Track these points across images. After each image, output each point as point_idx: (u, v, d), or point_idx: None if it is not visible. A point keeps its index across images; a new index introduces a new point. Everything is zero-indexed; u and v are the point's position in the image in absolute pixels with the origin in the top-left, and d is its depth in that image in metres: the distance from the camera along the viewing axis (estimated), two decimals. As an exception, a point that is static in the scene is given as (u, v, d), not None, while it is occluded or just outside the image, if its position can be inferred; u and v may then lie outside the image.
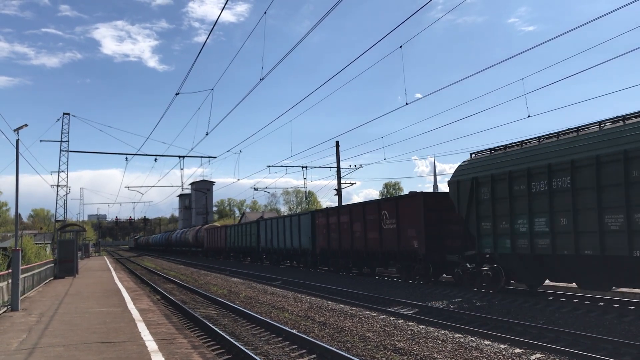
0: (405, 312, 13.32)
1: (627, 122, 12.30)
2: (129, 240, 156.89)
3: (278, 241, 35.09)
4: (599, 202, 12.24)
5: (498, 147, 16.18)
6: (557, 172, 13.40)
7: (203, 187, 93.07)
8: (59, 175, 48.11)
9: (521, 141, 15.28)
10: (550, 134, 14.36)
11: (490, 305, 14.29)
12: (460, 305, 14.57)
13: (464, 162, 17.23)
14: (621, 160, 11.86)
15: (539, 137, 14.66)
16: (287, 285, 21.87)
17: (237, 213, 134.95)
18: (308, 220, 30.35)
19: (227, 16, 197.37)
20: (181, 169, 40.02)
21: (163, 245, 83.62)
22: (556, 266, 13.99)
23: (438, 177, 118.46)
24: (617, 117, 12.79)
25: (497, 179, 15.30)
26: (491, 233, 15.42)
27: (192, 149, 76.65)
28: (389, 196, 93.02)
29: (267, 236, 37.34)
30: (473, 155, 17.23)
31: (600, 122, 13.17)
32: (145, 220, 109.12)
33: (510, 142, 15.68)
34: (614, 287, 13.97)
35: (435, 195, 21.77)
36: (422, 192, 20.59)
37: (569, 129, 13.85)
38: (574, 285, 14.79)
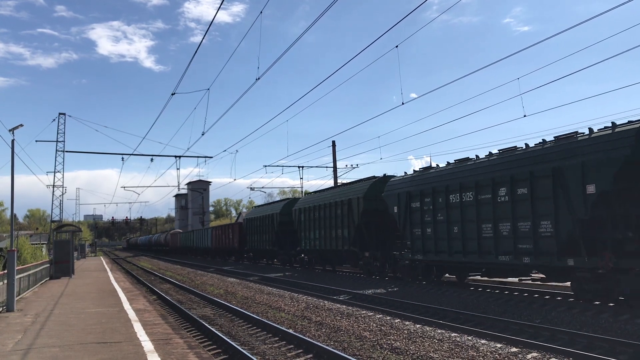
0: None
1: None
2: (123, 241, 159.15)
3: (201, 243, 57.34)
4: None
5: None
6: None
7: (199, 187, 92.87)
8: (54, 176, 48.01)
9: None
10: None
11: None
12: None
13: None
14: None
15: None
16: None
17: (234, 213, 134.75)
18: (209, 232, 53.50)
19: (223, 16, 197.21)
20: (177, 169, 40.21)
21: (147, 245, 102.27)
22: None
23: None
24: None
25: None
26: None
27: (188, 148, 76.63)
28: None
29: (197, 240, 60.00)
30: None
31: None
32: (141, 220, 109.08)
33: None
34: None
35: (245, 222, 41.32)
36: (239, 222, 45.38)
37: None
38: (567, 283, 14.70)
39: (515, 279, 17.06)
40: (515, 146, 15.48)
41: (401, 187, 19.99)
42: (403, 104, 20.82)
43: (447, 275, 20.11)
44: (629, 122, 12.31)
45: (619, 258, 12.07)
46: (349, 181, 28.55)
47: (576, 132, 13.54)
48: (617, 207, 12.26)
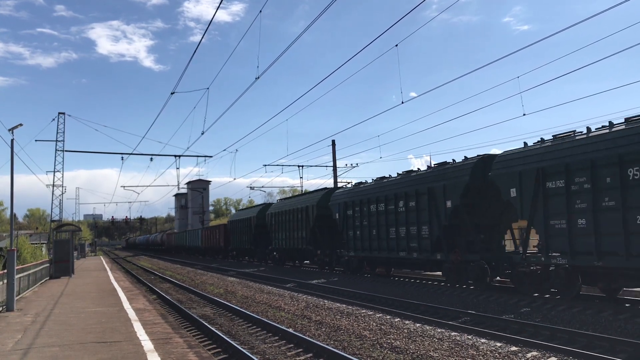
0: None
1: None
2: (122, 241, 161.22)
3: (193, 242, 62.15)
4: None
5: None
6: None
7: (199, 187, 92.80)
8: (54, 175, 47.97)
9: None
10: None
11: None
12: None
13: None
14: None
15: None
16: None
17: (234, 212, 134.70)
18: (199, 233, 58.96)
19: (223, 16, 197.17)
20: (177, 168, 40.32)
21: (145, 244, 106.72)
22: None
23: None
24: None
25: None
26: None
27: (187, 148, 76.70)
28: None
29: (189, 240, 64.79)
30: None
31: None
32: (141, 220, 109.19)
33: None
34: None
35: (229, 224, 46.98)
36: (224, 223, 50.93)
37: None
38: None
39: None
40: (412, 170, 20.18)
41: (341, 198, 24.55)
42: (403, 103, 20.82)
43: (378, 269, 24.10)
44: (477, 155, 16.94)
45: (466, 254, 17.07)
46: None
47: (445, 162, 18.27)
48: (464, 217, 17.07)
